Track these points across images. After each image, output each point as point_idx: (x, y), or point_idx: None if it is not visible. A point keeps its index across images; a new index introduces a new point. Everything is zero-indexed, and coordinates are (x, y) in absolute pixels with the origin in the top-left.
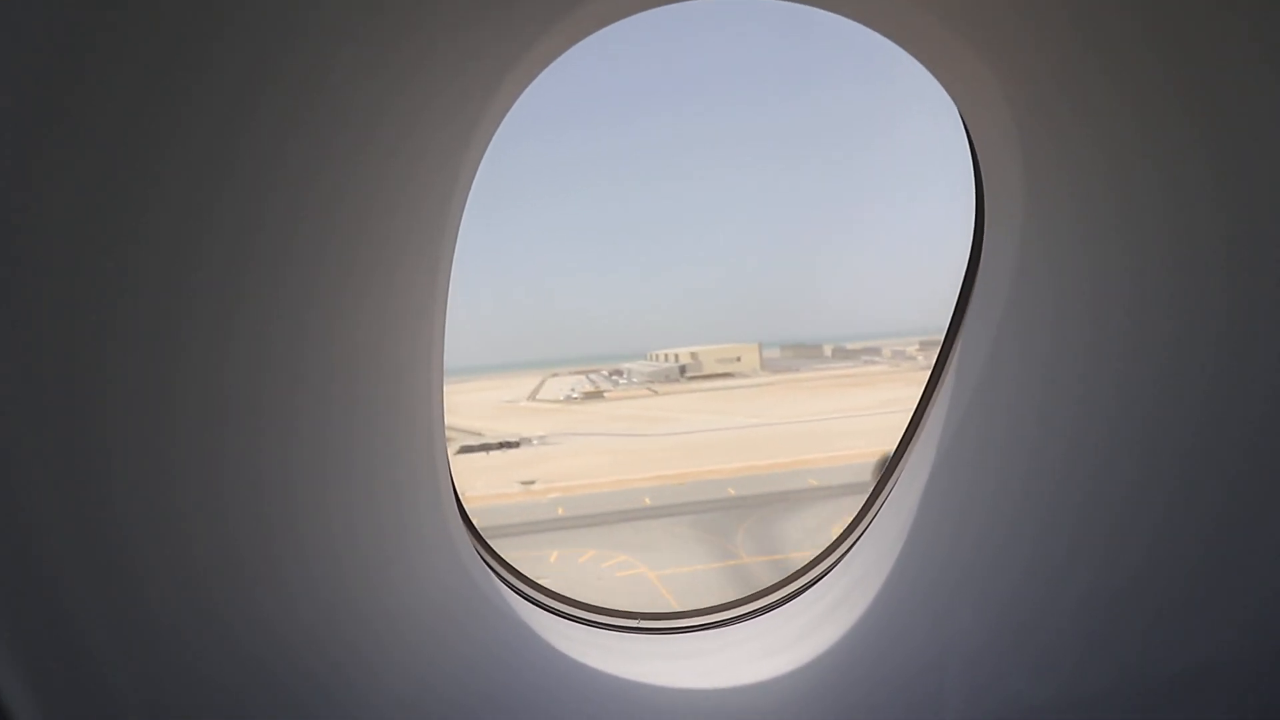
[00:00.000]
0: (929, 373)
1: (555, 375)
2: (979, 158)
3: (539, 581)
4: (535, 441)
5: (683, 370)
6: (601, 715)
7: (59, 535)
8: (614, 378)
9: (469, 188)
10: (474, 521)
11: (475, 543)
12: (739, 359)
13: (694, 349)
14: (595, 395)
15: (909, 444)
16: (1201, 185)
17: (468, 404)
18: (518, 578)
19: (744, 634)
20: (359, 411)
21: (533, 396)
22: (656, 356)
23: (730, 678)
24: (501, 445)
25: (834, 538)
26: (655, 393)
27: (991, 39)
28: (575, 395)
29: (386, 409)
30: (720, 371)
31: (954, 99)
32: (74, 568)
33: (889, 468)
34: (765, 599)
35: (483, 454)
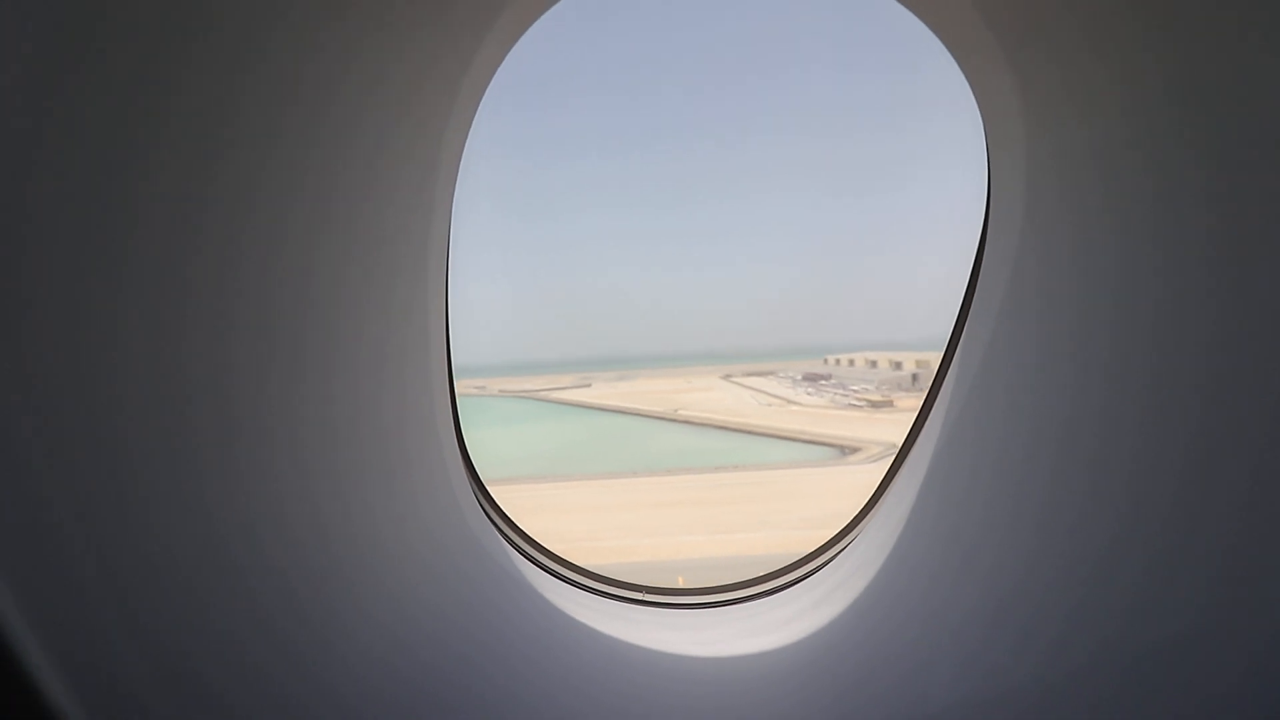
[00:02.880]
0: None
1: (729, 377)
2: (990, 156)
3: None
4: None
5: (914, 379)
6: (594, 670)
7: (68, 453)
8: (819, 383)
9: (472, 113)
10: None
11: (481, 499)
12: None
13: (916, 355)
14: (884, 404)
15: (915, 436)
16: (1188, 180)
17: (716, 401)
18: (525, 540)
19: (745, 613)
20: (353, 351)
21: (787, 401)
22: (835, 360)
23: (728, 649)
24: None
25: None
26: None
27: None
28: (859, 404)
29: (380, 350)
30: None
31: (974, 93)
32: (87, 483)
33: (896, 459)
34: (768, 584)
35: None
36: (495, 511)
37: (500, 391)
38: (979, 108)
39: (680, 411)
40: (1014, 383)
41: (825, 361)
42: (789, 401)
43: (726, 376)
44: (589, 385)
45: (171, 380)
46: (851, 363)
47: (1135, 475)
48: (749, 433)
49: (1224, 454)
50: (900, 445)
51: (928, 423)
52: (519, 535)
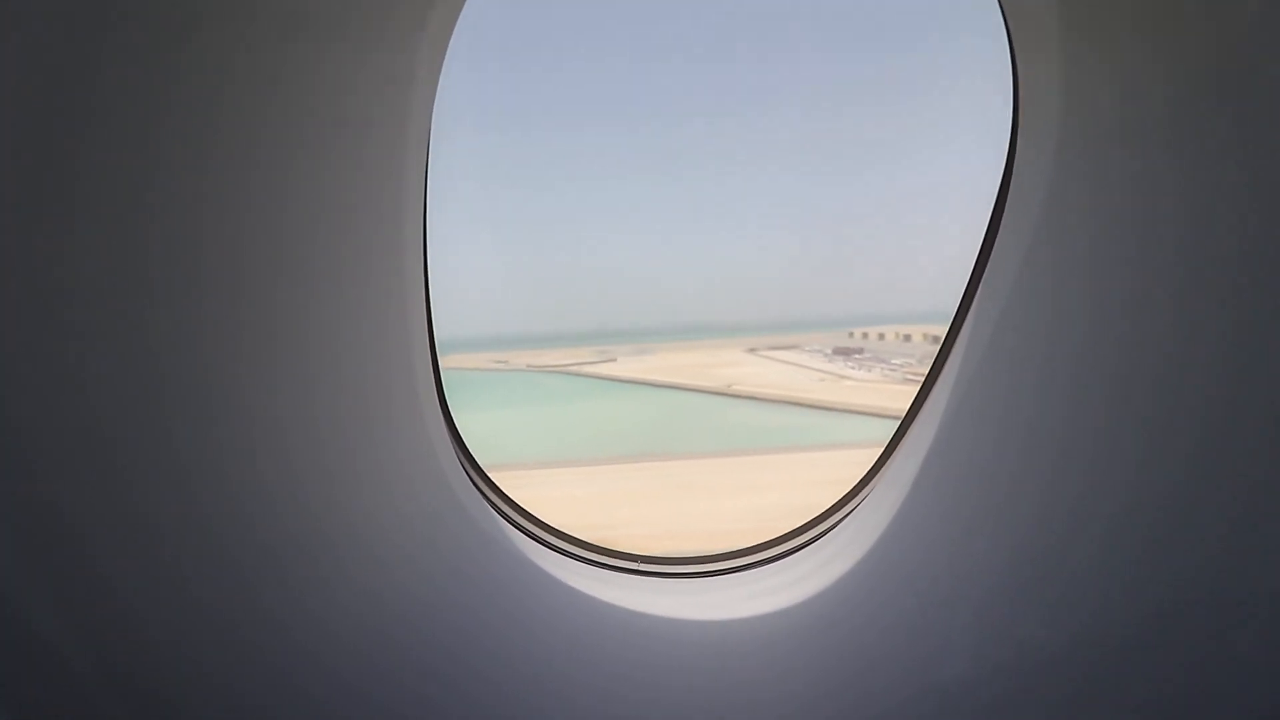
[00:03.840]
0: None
1: (754, 350)
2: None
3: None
4: None
5: None
6: (590, 634)
7: (47, 426)
8: (854, 357)
9: (439, 65)
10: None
11: (468, 468)
12: None
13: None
14: None
15: (931, 385)
16: (1228, 145)
17: (760, 376)
18: (514, 509)
19: (747, 579)
20: (328, 303)
21: (837, 376)
22: (863, 333)
23: (731, 612)
24: None
25: None
26: None
27: None
28: (915, 378)
29: (354, 314)
30: None
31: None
32: (68, 464)
33: (911, 409)
34: (770, 550)
35: None
36: (483, 480)
37: (528, 366)
38: (1009, 33)
39: (733, 386)
40: (1046, 328)
41: (852, 335)
42: (840, 376)
43: (751, 350)
44: (614, 360)
45: (139, 349)
46: (881, 336)
47: (1201, 431)
48: (825, 409)
49: (1259, 389)
50: (914, 397)
51: (942, 373)
52: (507, 504)
